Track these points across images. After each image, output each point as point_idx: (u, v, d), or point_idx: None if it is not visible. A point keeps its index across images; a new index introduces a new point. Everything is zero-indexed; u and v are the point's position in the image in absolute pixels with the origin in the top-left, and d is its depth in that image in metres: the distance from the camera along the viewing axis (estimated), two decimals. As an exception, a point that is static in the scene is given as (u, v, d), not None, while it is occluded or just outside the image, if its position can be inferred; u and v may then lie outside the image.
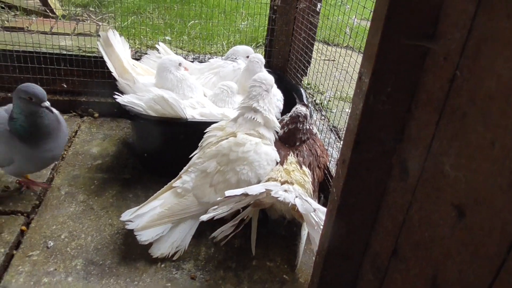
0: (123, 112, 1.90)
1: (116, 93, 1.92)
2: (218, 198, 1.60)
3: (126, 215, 1.69)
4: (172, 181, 1.80)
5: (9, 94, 2.45)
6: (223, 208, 1.60)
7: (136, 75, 2.01)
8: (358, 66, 1.97)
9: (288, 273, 1.67)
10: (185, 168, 1.81)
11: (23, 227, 1.73)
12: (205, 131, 1.85)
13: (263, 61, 2.17)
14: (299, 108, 1.88)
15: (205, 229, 1.76)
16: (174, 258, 1.65)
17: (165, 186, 1.79)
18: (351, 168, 1.14)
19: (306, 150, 1.82)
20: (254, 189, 1.55)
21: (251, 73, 2.10)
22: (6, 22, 3.44)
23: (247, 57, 2.33)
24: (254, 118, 1.78)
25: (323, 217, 1.58)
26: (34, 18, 3.77)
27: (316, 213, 1.53)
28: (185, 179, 1.76)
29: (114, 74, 1.98)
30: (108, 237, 1.74)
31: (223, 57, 2.42)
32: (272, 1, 2.42)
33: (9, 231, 1.69)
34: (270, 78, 1.85)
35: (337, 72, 2.96)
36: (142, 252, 1.65)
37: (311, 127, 1.89)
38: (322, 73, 2.43)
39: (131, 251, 1.67)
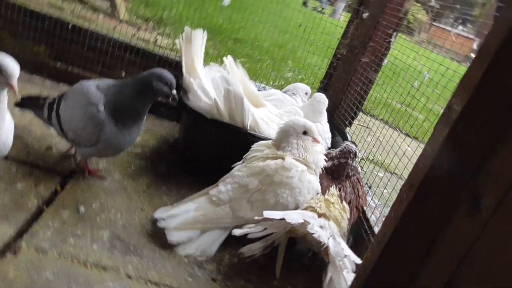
0: (181, 106, 1.96)
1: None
2: (256, 217, 1.59)
3: (159, 213, 1.70)
4: (209, 187, 1.80)
5: (70, 68, 2.54)
6: (258, 228, 1.59)
7: (204, 77, 2.07)
8: (391, 138, 2.10)
9: (308, 300, 1.62)
10: (224, 177, 1.82)
11: (58, 187, 1.72)
12: (252, 145, 1.88)
13: (327, 101, 2.24)
14: (350, 145, 1.91)
15: (231, 238, 1.73)
16: (200, 260, 1.63)
17: (202, 191, 1.80)
18: (418, 193, 1.15)
19: (349, 187, 1.83)
20: (293, 217, 1.54)
21: (315, 111, 2.16)
22: (75, 12, 3.61)
23: (306, 93, 2.41)
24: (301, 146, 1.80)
25: (349, 266, 1.56)
26: (100, 16, 3.95)
27: (344, 259, 1.51)
28: (221, 189, 1.76)
29: (184, 69, 2.05)
30: (137, 219, 1.72)
31: (282, 90, 2.49)
32: (338, 49, 2.54)
33: (45, 186, 1.70)
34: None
35: (370, 138, 3.05)
36: (168, 243, 1.62)
37: (357, 166, 1.91)
38: (358, 135, 2.54)
39: (157, 238, 1.64)
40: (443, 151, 1.11)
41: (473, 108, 1.05)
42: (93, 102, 1.64)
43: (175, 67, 2.52)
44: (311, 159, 1.78)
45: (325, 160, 1.85)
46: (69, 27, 2.45)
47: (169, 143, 2.40)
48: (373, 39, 2.34)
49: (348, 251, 1.57)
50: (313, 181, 1.77)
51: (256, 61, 4.52)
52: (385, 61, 2.26)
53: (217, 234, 1.69)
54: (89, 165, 1.89)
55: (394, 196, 1.99)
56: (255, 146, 1.85)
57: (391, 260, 1.23)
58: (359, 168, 1.97)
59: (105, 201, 1.75)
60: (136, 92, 1.65)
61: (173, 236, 1.62)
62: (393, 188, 2.13)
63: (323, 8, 15.06)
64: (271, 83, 3.88)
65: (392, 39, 2.21)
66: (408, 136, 3.36)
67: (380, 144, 2.30)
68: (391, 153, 2.09)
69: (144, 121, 1.77)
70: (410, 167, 1.85)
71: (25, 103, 1.88)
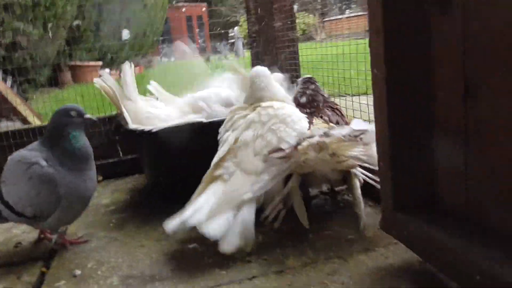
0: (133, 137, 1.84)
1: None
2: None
3: (173, 223, 1.41)
4: (210, 171, 1.59)
5: None
6: (264, 180, 1.45)
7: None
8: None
9: (353, 234, 1.48)
10: (218, 155, 1.62)
11: (43, 269, 1.50)
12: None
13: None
14: (303, 77, 1.92)
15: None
16: (248, 251, 1.41)
17: (203, 180, 1.58)
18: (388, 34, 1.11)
19: (329, 111, 1.77)
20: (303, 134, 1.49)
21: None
22: None
23: None
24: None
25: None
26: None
27: (369, 134, 1.38)
28: (227, 165, 1.58)
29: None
30: (141, 255, 1.52)
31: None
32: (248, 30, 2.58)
33: (29, 274, 1.47)
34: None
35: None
36: (189, 260, 1.45)
37: (324, 92, 1.88)
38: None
39: (173, 260, 1.46)
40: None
41: None
42: (32, 162, 1.49)
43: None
44: (284, 93, 1.78)
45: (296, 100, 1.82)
46: None
47: (140, 191, 2.23)
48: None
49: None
50: (296, 110, 1.72)
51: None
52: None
53: (247, 213, 1.44)
54: (68, 238, 1.68)
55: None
56: (232, 110, 1.75)
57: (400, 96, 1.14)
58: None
59: (100, 256, 1.54)
60: (54, 137, 1.54)
61: (210, 231, 1.36)
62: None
63: (226, 55, 15.67)
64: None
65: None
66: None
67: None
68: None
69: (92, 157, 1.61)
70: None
71: None
